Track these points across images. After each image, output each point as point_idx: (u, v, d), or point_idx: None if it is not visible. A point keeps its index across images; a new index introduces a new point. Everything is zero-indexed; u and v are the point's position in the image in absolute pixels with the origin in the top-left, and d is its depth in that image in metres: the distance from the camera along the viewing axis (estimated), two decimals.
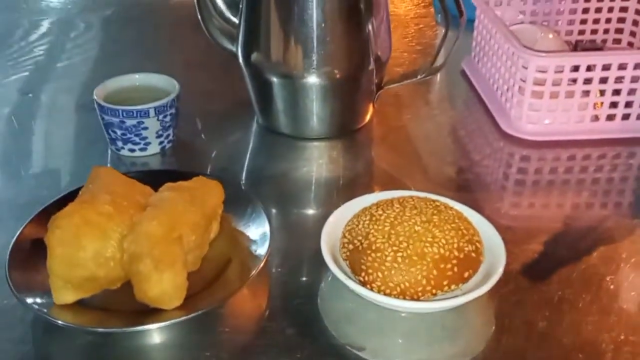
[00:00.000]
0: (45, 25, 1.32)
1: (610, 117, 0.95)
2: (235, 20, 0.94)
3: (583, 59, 0.92)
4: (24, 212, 0.74)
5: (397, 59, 1.18)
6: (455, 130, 1.00)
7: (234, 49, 0.94)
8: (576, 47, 1.13)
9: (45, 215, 0.66)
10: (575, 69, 0.91)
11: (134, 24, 1.35)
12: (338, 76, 0.89)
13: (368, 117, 0.98)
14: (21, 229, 0.71)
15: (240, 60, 0.93)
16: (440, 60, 0.93)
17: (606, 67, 0.91)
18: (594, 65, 0.91)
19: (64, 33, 1.30)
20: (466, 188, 0.87)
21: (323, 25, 0.86)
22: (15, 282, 0.65)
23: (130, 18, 1.38)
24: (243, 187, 0.84)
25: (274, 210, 0.82)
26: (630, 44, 1.13)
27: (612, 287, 0.70)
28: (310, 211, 0.85)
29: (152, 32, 1.32)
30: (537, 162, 0.91)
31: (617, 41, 1.15)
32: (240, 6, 0.91)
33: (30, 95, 1.08)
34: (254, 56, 0.91)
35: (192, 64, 1.17)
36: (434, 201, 0.71)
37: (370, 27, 0.89)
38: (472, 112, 1.03)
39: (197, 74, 1.13)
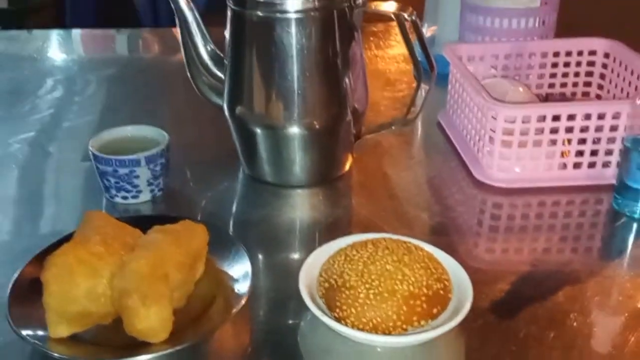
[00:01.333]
0: (50, 83, 1.38)
1: (577, 165, 0.98)
2: (221, 75, 0.98)
3: (548, 109, 0.96)
4: (24, 256, 0.77)
5: (381, 113, 1.22)
6: (431, 179, 1.04)
7: (221, 102, 0.98)
8: (547, 99, 1.17)
9: (43, 257, 0.70)
10: (542, 119, 0.94)
11: (129, 81, 1.41)
12: (317, 127, 0.93)
13: (348, 166, 1.01)
14: (21, 269, 0.75)
15: (226, 112, 0.97)
16: (414, 111, 0.98)
17: (571, 117, 0.94)
18: (560, 116, 0.95)
19: (66, 90, 1.35)
20: (441, 232, 0.90)
21: (302, 79, 0.90)
22: (14, 317, 0.68)
23: (126, 76, 1.44)
24: (227, 231, 0.88)
25: (259, 254, 0.85)
26: (599, 97, 1.16)
27: (575, 324, 0.73)
28: (293, 254, 0.88)
29: (146, 89, 1.37)
30: (509, 208, 0.95)
31: (586, 94, 1.19)
32: (225, 62, 0.96)
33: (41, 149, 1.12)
34: (239, 109, 0.95)
35: (183, 118, 1.22)
36: (405, 242, 0.75)
37: (347, 80, 0.93)
38: (447, 162, 1.06)
39: (187, 127, 1.17)
